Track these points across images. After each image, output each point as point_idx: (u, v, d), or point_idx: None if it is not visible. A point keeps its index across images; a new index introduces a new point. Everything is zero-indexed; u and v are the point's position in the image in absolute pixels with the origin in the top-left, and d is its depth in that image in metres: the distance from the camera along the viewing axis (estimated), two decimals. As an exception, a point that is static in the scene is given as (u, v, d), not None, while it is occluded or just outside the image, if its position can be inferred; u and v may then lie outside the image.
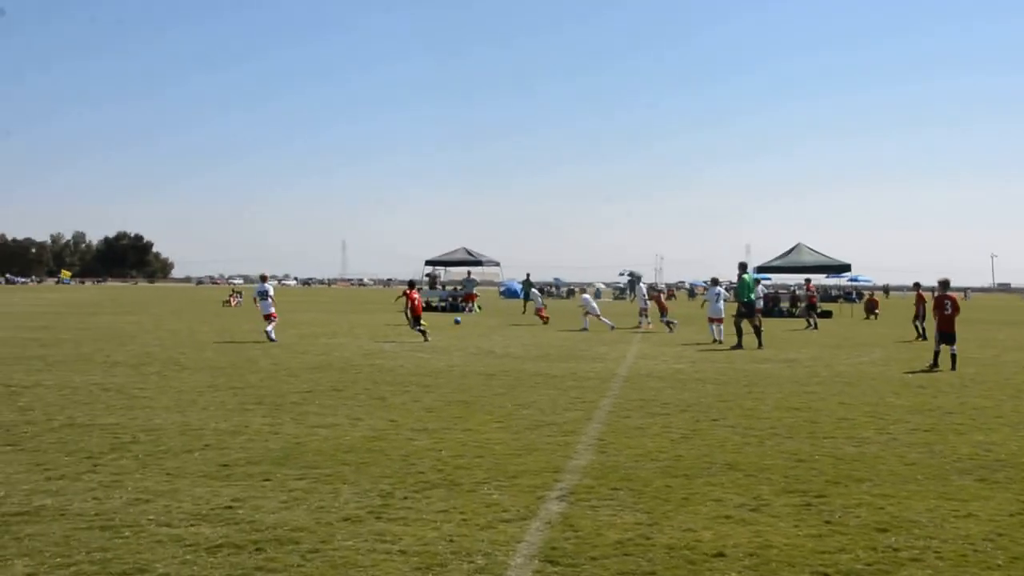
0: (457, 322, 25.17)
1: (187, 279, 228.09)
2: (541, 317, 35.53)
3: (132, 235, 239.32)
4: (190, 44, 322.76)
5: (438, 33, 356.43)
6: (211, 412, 11.58)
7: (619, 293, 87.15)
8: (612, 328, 31.27)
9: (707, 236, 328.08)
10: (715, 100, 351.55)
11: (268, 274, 26.41)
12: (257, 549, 5.87)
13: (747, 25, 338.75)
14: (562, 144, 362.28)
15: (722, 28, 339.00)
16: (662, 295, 32.79)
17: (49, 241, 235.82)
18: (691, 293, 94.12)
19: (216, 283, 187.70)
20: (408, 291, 25.48)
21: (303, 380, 15.12)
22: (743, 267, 24.96)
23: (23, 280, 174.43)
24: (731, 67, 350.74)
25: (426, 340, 23.99)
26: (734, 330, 23.57)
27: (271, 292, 24.78)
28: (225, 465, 8.39)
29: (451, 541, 6.08)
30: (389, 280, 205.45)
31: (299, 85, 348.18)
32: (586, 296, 34.80)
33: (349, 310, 49.40)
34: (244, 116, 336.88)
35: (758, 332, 23.52)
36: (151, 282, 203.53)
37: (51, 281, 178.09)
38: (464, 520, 6.59)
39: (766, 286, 49.53)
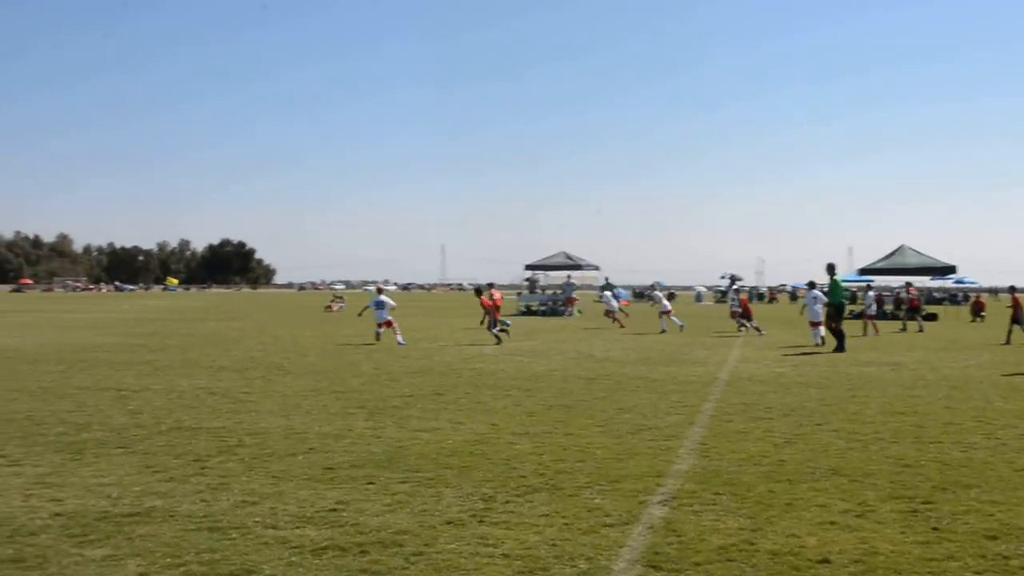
0: (507, 325, 25.80)
1: (289, 285, 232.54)
2: (613, 320, 35.67)
3: (235, 242, 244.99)
4: (284, 40, 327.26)
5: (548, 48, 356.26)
6: (314, 416, 11.74)
7: (720, 296, 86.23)
8: (682, 327, 31.91)
9: (808, 238, 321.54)
10: (822, 98, 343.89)
11: (376, 282, 27.05)
12: (361, 551, 5.91)
13: (862, 24, 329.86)
14: (660, 146, 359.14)
15: (837, 27, 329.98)
16: (744, 296, 32.77)
17: (156, 249, 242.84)
18: (793, 296, 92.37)
19: (318, 289, 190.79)
20: (481, 297, 26.21)
21: (404, 384, 15.25)
22: (832, 269, 24.45)
23: (132, 287, 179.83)
24: (839, 67, 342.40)
25: (499, 343, 24.47)
26: (833, 333, 23.11)
27: (387, 301, 25.71)
28: (329, 468, 8.49)
29: (553, 545, 6.04)
30: (491, 284, 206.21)
31: (406, 87, 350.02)
32: (659, 294, 35.50)
33: (449, 314, 49.79)
34: (349, 121, 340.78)
35: (839, 336, 23.09)
36: (254, 288, 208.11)
37: (158, 288, 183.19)
38: (566, 524, 6.54)
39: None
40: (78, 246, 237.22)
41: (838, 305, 23.47)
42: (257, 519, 6.67)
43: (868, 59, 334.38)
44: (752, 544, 6.08)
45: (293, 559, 5.77)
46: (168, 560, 5.75)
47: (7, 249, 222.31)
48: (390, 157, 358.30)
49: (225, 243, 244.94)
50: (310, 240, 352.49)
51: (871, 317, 32.43)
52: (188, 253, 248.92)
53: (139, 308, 60.57)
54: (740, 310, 32.17)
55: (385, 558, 5.78)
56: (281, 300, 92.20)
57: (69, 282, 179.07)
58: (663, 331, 31.25)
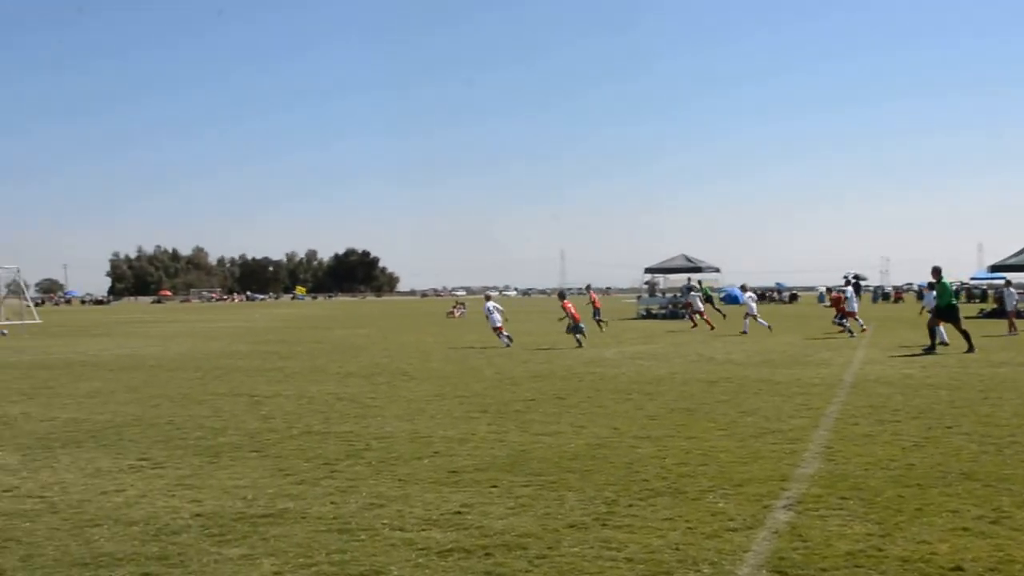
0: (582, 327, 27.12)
1: (412, 292, 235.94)
2: (700, 320, 35.76)
3: (360, 251, 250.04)
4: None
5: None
6: (439, 420, 11.94)
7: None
8: (770, 328, 31.86)
9: (936, 236, 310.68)
10: (951, 102, 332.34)
11: (490, 289, 27.57)
12: (486, 554, 6.01)
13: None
14: (784, 142, 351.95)
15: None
16: (841, 295, 32.13)
17: (284, 259, 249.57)
18: (920, 295, 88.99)
19: (439, 295, 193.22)
20: (563, 301, 27.07)
21: (526, 388, 15.37)
22: (938, 272, 23.78)
23: (262, 297, 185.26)
24: (952, 82, 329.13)
25: (579, 346, 24.92)
26: (960, 333, 22.43)
27: (492, 307, 26.73)
28: (453, 472, 8.63)
29: (677, 549, 6.04)
30: (608, 288, 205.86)
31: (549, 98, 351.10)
32: (748, 295, 35.04)
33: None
34: (468, 129, 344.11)
35: (933, 335, 22.54)
36: (378, 296, 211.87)
37: (287, 297, 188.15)
38: (690, 528, 6.53)
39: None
40: (212, 258, 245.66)
41: (949, 306, 22.95)
42: (384, 521, 6.84)
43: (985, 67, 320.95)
44: (881, 550, 5.97)
45: (420, 561, 5.90)
46: (300, 560, 5.95)
47: (148, 263, 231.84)
48: (519, 165, 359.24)
49: (350, 252, 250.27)
50: (434, 247, 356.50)
51: (1014, 315, 31.17)
52: (315, 263, 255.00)
53: (269, 317, 62.31)
54: (856, 310, 31.55)
55: (509, 561, 5.87)
56: (404, 307, 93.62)
57: (204, 293, 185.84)
58: (744, 332, 31.09)
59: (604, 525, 6.65)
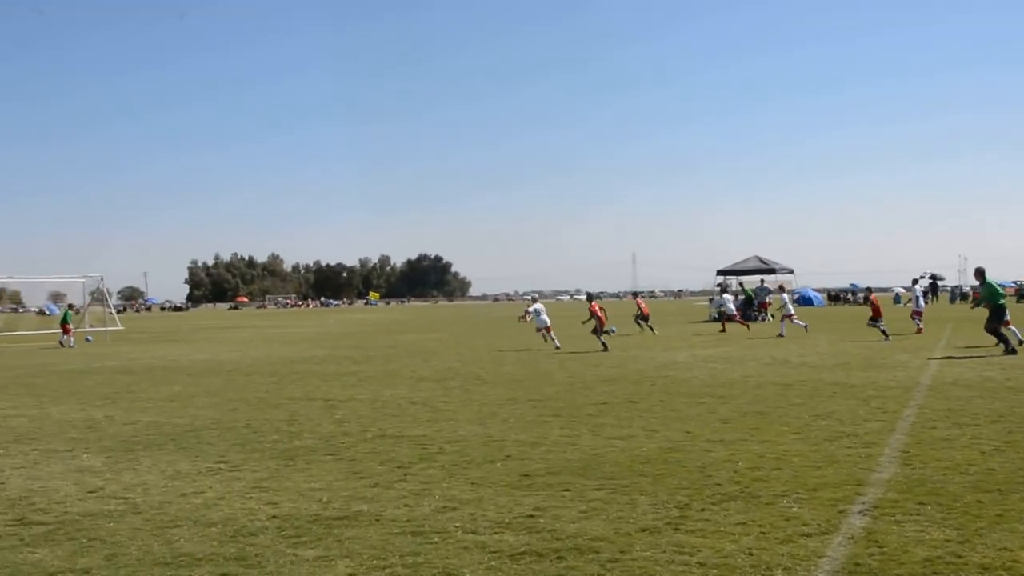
0: (612, 331, 28.34)
1: (483, 297, 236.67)
2: (735, 322, 36.40)
3: (432, 256, 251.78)
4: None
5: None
6: (511, 424, 11.99)
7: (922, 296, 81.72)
8: (806, 327, 32.55)
9: (1017, 233, 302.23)
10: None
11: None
12: (558, 557, 6.04)
13: None
14: (855, 144, 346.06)
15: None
16: (875, 296, 32.16)
17: (358, 265, 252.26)
18: (1022, 295, 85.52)
19: (511, 300, 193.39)
20: (592, 304, 27.83)
21: (598, 392, 15.36)
22: (982, 273, 23.49)
23: (336, 302, 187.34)
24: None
25: (605, 349, 25.37)
26: (1005, 335, 22.08)
27: (534, 308, 28.64)
28: (526, 475, 8.67)
29: (750, 555, 6.01)
30: (680, 291, 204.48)
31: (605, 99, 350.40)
32: (785, 297, 35.17)
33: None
34: (535, 137, 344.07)
35: (998, 335, 22.15)
36: (450, 301, 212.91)
37: (360, 302, 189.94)
38: (763, 533, 6.48)
39: None
40: (287, 264, 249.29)
41: (998, 307, 22.61)
42: (457, 524, 6.90)
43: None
44: (960, 557, 5.87)
45: (492, 563, 5.95)
46: (375, 562, 6.03)
47: (225, 270, 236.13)
48: (592, 168, 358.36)
49: (423, 257, 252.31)
50: (506, 251, 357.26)
51: None
52: (388, 268, 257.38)
53: (343, 322, 63.04)
54: (922, 309, 31.14)
55: (581, 564, 5.89)
56: (476, 312, 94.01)
57: (280, 299, 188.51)
58: (781, 335, 31.09)
59: (676, 529, 6.64)
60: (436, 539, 6.51)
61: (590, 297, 30.79)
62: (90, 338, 39.09)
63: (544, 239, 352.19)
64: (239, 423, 12.59)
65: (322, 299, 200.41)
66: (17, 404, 15.61)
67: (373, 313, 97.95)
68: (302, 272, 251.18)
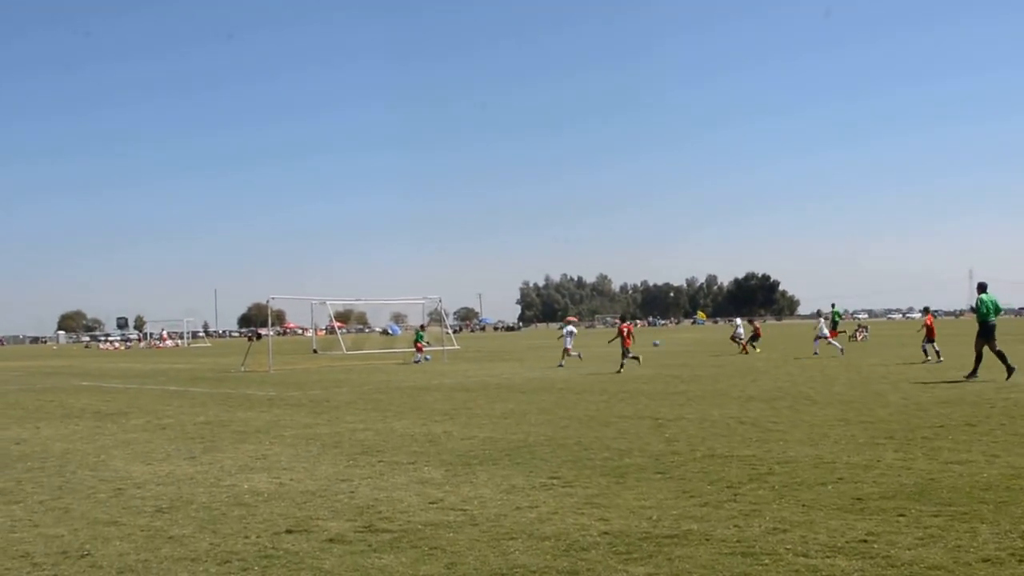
0: (656, 344, 28.71)
1: (815, 315, 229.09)
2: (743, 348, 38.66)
3: (760, 275, 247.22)
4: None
5: None
6: (842, 446, 11.63)
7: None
8: (842, 351, 34.53)
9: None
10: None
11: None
12: (895, 584, 5.84)
13: None
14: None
15: None
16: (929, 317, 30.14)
17: (685, 285, 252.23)
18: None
19: (841, 318, 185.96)
20: (622, 324, 30.15)
21: (934, 415, 14.56)
22: (983, 287, 21.56)
23: (663, 322, 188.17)
24: None
25: (618, 371, 27.59)
26: (995, 355, 20.89)
27: (566, 330, 34.60)
28: (858, 499, 8.40)
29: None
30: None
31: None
32: (820, 320, 36.60)
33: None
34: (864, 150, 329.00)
35: (1002, 358, 20.76)
36: (778, 320, 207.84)
37: (687, 322, 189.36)
38: None
39: None
40: (615, 285, 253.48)
41: (984, 324, 21.18)
42: (788, 546, 6.81)
43: None
44: None
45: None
46: (704, 581, 6.09)
47: (555, 290, 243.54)
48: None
49: (750, 276, 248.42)
50: (837, 270, 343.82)
51: None
52: (715, 288, 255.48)
53: (671, 341, 63.14)
54: None
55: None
56: (804, 330, 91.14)
57: (608, 319, 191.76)
58: (815, 353, 33.26)
59: (1021, 561, 6.23)
60: (767, 560, 6.46)
61: (622, 318, 32.36)
62: (428, 357, 41.55)
63: (877, 255, 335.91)
64: (570, 440, 12.98)
65: (649, 319, 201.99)
66: (365, 419, 16.84)
67: (699, 332, 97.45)
68: (630, 292, 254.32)
